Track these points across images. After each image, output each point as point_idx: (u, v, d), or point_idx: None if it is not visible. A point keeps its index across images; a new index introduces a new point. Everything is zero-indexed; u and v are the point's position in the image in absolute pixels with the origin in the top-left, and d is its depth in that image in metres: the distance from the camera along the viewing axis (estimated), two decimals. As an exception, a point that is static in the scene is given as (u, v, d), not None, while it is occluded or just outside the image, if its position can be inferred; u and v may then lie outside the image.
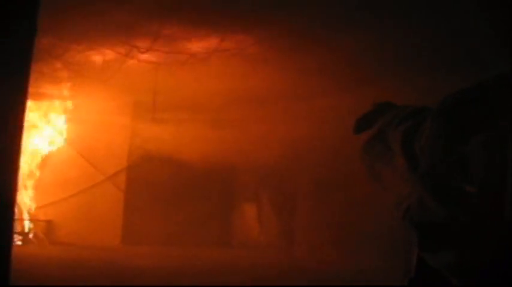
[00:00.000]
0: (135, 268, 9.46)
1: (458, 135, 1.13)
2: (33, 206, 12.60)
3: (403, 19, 7.35)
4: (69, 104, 12.57)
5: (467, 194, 1.09)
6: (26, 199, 12.60)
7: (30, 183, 12.64)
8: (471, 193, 1.08)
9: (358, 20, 7.58)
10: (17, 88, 3.47)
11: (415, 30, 7.46)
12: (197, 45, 9.24)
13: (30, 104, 12.33)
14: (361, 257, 9.19)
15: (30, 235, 12.30)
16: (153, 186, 12.94)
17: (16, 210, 12.37)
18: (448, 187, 1.12)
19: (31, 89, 11.23)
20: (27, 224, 12.44)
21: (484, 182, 1.08)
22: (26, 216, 12.51)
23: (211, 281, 8.43)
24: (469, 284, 1.07)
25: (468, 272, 1.07)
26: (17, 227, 12.32)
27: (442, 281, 1.11)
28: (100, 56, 9.90)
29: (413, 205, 1.19)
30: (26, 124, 11.57)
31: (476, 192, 1.07)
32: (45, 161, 12.77)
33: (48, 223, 12.53)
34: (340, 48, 8.49)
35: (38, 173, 12.72)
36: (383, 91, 7.65)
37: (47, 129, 12.76)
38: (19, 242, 12.07)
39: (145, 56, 9.65)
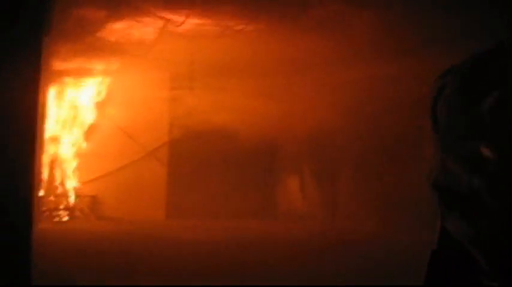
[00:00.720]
0: (179, 241, 9.53)
1: (475, 94, 1.05)
2: (77, 181, 12.77)
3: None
4: (107, 79, 12.62)
5: (485, 159, 1.00)
6: (70, 174, 12.78)
7: (73, 159, 12.80)
8: (489, 158, 1.00)
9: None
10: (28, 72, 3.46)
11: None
12: (232, 17, 9.12)
13: (68, 80, 12.48)
14: (405, 229, 9.04)
15: (76, 210, 12.50)
16: (195, 159, 12.97)
17: (61, 186, 12.63)
18: (466, 149, 1.03)
19: (70, 65, 11.28)
20: (72, 200, 12.63)
21: (501, 145, 0.99)
22: (71, 191, 12.71)
23: (254, 253, 8.42)
24: (491, 258, 1.00)
25: (490, 246, 1.00)
26: (63, 203, 12.53)
27: (466, 254, 1.03)
28: (137, 30, 9.86)
29: (435, 167, 1.10)
30: (64, 103, 11.61)
31: (493, 157, 0.99)
32: (87, 137, 12.90)
33: (93, 198, 12.70)
34: (383, 17, 8.26)
35: (81, 148, 12.86)
36: (425, 61, 7.45)
37: (87, 105, 12.86)
38: (66, 218, 12.29)
39: (181, 29, 9.58)
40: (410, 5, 7.83)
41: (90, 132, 12.91)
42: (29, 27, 3.46)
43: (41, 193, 11.88)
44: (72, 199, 12.62)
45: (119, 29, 9.76)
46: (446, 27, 7.92)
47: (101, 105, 12.87)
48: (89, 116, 12.89)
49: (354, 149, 10.84)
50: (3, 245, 3.42)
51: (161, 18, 9.17)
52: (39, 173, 10.36)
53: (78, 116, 12.86)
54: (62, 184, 12.70)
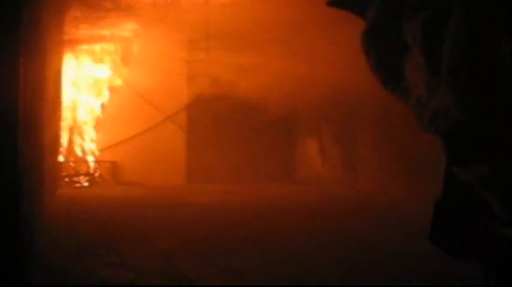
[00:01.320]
0: (198, 205, 9.53)
1: (490, 31, 0.95)
2: (97, 147, 12.81)
3: None
4: (123, 43, 12.53)
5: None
6: (89, 140, 12.81)
7: (92, 125, 12.82)
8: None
9: None
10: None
11: None
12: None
13: (85, 46, 12.40)
14: (428, 194, 8.91)
15: (96, 176, 12.56)
16: (214, 124, 12.92)
17: (81, 151, 12.67)
18: (478, 95, 0.95)
19: (86, 32, 11.18)
20: (92, 166, 12.69)
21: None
22: (90, 157, 12.76)
23: (274, 218, 8.38)
24: (502, 198, 0.94)
25: (501, 186, 0.94)
26: (83, 169, 12.60)
27: (474, 199, 0.96)
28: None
29: (438, 112, 1.01)
30: (82, 69, 11.56)
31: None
32: (105, 103, 12.88)
33: (113, 163, 12.74)
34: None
35: (100, 114, 12.86)
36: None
37: (104, 71, 12.80)
38: (86, 183, 12.37)
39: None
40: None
41: (108, 98, 12.88)
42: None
43: (61, 158, 11.93)
44: (92, 165, 12.67)
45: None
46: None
47: (118, 71, 12.81)
48: (106, 81, 12.85)
49: (375, 112, 10.67)
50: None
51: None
52: (56, 139, 10.37)
53: (96, 82, 12.82)
54: (82, 149, 12.74)
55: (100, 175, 12.58)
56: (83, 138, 12.78)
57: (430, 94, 1.05)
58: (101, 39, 12.05)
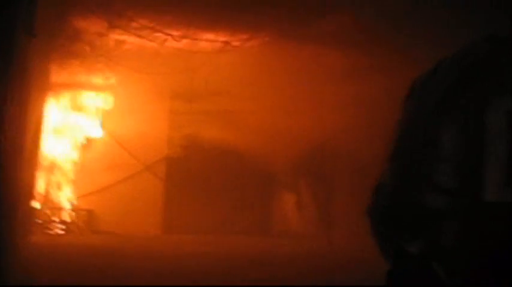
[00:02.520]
0: (175, 257, 9.46)
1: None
2: (73, 195, 12.71)
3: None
4: (106, 92, 12.61)
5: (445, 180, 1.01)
6: (66, 188, 12.72)
7: (70, 172, 12.75)
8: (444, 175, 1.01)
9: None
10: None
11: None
12: (231, 32, 9.14)
13: (67, 93, 12.47)
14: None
15: (72, 224, 12.43)
16: (193, 175, 12.94)
17: (57, 199, 12.57)
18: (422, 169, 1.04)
19: (69, 79, 11.28)
20: (68, 214, 12.57)
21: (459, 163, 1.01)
22: (67, 205, 12.64)
23: (249, 270, 8.35)
24: (452, 272, 1.01)
25: (451, 261, 1.01)
26: (59, 216, 12.46)
27: (425, 270, 1.01)
28: (136, 44, 9.88)
29: (391, 188, 1.10)
30: (62, 116, 11.57)
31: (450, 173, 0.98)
32: (84, 151, 12.86)
33: (89, 212, 12.64)
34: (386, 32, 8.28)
35: (78, 162, 12.81)
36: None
37: (86, 118, 12.83)
38: (61, 231, 12.22)
39: (180, 44, 9.59)
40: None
41: (87, 146, 12.87)
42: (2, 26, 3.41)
43: (37, 205, 11.82)
44: (67, 213, 12.55)
45: (118, 43, 9.77)
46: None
47: (99, 119, 12.84)
48: (86, 129, 12.86)
49: (351, 167, 10.80)
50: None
51: (161, 32, 9.18)
52: (33, 185, 10.31)
53: (76, 129, 12.83)
54: (58, 197, 12.64)
55: (75, 223, 12.45)
56: (59, 186, 12.69)
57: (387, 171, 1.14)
58: (83, 86, 12.13)
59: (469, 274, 0.98)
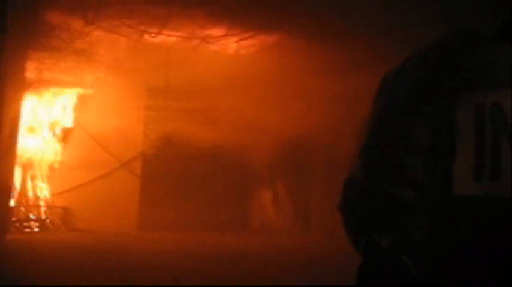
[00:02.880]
0: (150, 254, 9.46)
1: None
2: (49, 192, 12.63)
3: None
4: (81, 89, 12.54)
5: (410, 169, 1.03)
6: (42, 185, 12.64)
7: (46, 170, 12.67)
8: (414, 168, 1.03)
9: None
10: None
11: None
12: (208, 31, 9.16)
13: (43, 90, 12.38)
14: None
15: (47, 221, 12.35)
16: (169, 172, 12.91)
17: (33, 196, 12.47)
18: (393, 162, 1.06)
19: (45, 75, 11.21)
20: (43, 211, 12.48)
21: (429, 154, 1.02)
22: (42, 202, 12.56)
23: (226, 267, 8.39)
24: (421, 266, 1.01)
25: (413, 249, 1.01)
26: (34, 214, 12.37)
27: (395, 264, 1.04)
28: (112, 41, 9.84)
29: (360, 180, 1.11)
30: (38, 113, 11.49)
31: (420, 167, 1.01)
32: (60, 148, 12.78)
33: (65, 209, 12.57)
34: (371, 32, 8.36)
35: (54, 159, 12.73)
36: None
37: (62, 115, 12.75)
38: (36, 229, 12.13)
39: (156, 41, 9.59)
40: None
41: (63, 143, 12.79)
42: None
43: (12, 203, 11.72)
44: (43, 210, 12.47)
45: (94, 39, 9.72)
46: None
47: (75, 116, 12.77)
48: (62, 126, 12.77)
49: (329, 163, 10.90)
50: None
51: (137, 29, 9.16)
52: (9, 183, 10.23)
53: (52, 126, 12.74)
54: (34, 194, 12.54)
55: (51, 221, 12.37)
56: (35, 183, 12.60)
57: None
58: (59, 83, 12.04)
59: (440, 267, 0.99)
